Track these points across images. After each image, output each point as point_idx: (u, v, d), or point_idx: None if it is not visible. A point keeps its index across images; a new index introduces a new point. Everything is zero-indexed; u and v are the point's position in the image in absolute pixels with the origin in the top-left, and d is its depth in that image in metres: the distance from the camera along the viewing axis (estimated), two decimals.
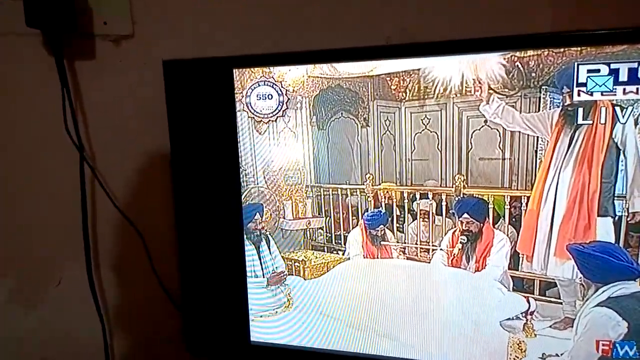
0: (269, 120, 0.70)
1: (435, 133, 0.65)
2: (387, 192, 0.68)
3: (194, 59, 0.70)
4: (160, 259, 0.86)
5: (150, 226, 0.85)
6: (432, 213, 0.68)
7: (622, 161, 0.59)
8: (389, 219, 0.70)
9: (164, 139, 0.73)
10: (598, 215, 0.60)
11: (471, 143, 0.64)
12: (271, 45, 0.75)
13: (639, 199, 0.59)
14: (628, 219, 0.59)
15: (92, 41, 0.80)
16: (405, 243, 0.70)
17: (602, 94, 0.59)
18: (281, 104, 0.69)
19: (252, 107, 0.70)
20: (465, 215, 0.66)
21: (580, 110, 0.59)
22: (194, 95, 0.71)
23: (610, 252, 0.60)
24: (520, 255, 0.65)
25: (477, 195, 0.65)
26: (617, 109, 0.58)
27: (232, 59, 0.69)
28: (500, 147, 0.63)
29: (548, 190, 0.62)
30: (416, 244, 0.69)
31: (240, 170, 0.72)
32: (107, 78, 0.81)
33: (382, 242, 0.70)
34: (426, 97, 0.65)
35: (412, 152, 0.67)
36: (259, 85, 0.69)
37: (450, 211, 0.66)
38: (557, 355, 0.64)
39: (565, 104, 0.59)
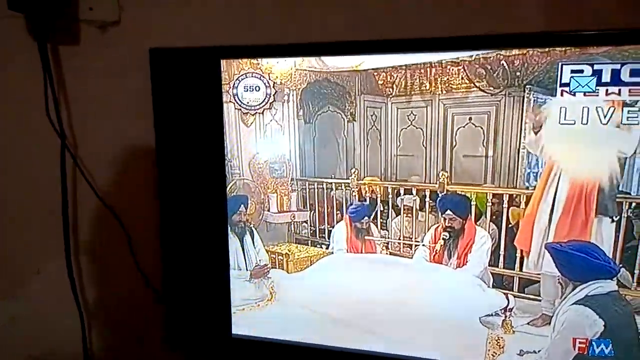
0: (256, 113, 0.70)
1: (421, 129, 0.66)
2: (372, 186, 0.69)
3: (181, 48, 0.69)
4: (143, 250, 0.84)
5: (133, 217, 0.83)
6: (416, 209, 0.68)
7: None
8: (373, 212, 0.71)
9: (149, 129, 0.72)
10: (596, 214, 0.61)
11: (456, 140, 0.65)
12: (260, 36, 0.75)
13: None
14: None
15: (77, 26, 0.79)
16: (388, 238, 0.70)
17: (584, 95, 0.60)
18: (268, 96, 0.69)
19: (239, 99, 0.70)
20: (448, 211, 0.67)
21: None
22: (181, 85, 0.70)
23: (588, 251, 0.62)
24: (503, 254, 0.66)
25: (460, 192, 0.66)
26: (600, 109, 0.59)
27: (220, 49, 0.68)
28: (484, 145, 0.64)
29: (549, 188, 0.63)
30: (399, 239, 0.70)
31: (226, 161, 0.72)
32: (92, 64, 0.80)
33: (366, 237, 0.71)
34: (412, 93, 0.65)
35: (397, 148, 0.67)
36: (247, 77, 0.69)
37: (434, 207, 0.67)
38: (534, 352, 0.65)
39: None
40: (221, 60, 0.69)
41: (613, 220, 0.60)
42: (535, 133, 0.61)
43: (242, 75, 0.69)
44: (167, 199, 0.74)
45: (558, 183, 0.61)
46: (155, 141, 0.72)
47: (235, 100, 0.70)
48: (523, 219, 0.63)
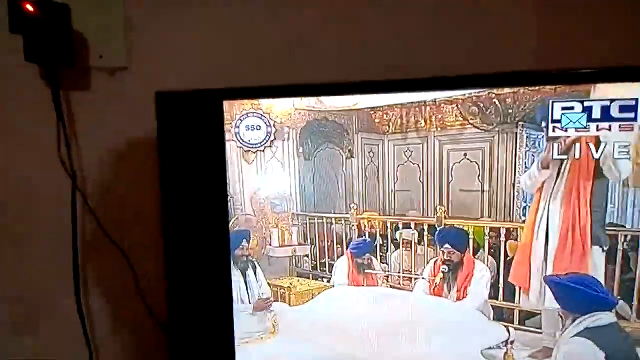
0: (257, 150, 0.72)
1: (417, 165, 0.67)
2: (371, 221, 0.70)
3: (186, 90, 0.72)
4: (148, 285, 0.86)
5: (139, 252, 0.86)
6: (414, 242, 0.69)
7: (602, 194, 0.61)
8: (374, 247, 0.72)
9: (154, 168, 0.75)
10: (592, 245, 0.62)
11: (451, 175, 0.66)
12: (262, 78, 0.78)
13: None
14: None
15: (88, 73, 0.83)
16: (388, 272, 0.71)
17: (576, 130, 0.61)
18: (269, 134, 0.71)
19: (240, 137, 0.72)
20: (447, 245, 0.68)
21: (556, 145, 0.62)
22: (185, 125, 0.73)
23: (585, 283, 0.62)
24: (502, 287, 0.66)
25: (458, 226, 0.67)
26: (591, 144, 0.61)
27: (222, 91, 0.71)
28: (479, 179, 0.66)
29: (539, 223, 0.64)
30: (399, 272, 0.71)
31: (228, 197, 0.74)
32: (101, 108, 0.84)
33: (367, 270, 0.72)
34: (408, 130, 0.67)
35: (394, 183, 0.69)
36: (248, 117, 0.72)
37: (432, 241, 0.68)
38: None
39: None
40: (223, 101, 0.72)
41: (603, 250, 0.61)
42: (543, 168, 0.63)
43: (243, 115, 0.71)
44: (172, 236, 0.76)
45: (548, 215, 0.62)
46: (160, 179, 0.75)
47: (237, 138, 0.72)
48: (517, 255, 0.64)
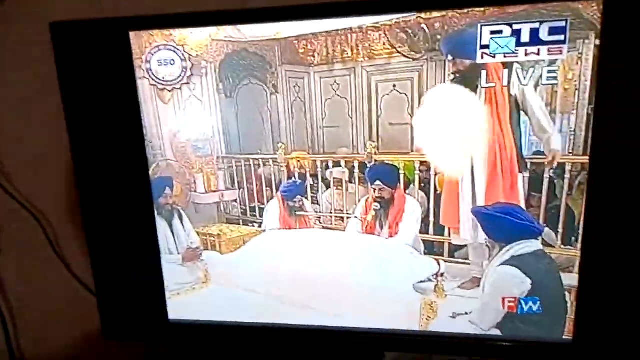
0: (173, 88, 0.66)
1: (345, 99, 0.64)
2: (300, 161, 0.67)
3: (84, 20, 0.63)
4: (69, 246, 0.80)
5: (53, 210, 0.78)
6: (345, 181, 0.67)
7: (524, 122, 0.60)
8: (305, 188, 0.69)
9: (58, 111, 0.67)
10: (520, 173, 0.61)
11: (381, 108, 0.63)
12: (172, 4, 0.69)
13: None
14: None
15: None
16: (320, 212, 0.69)
17: (504, 56, 0.59)
18: (185, 70, 0.65)
19: (153, 74, 0.65)
20: (378, 182, 0.66)
21: (484, 73, 0.60)
22: (89, 61, 0.65)
23: (512, 213, 0.62)
24: (431, 221, 0.65)
25: (388, 162, 0.65)
26: (519, 70, 0.59)
27: (127, 21, 0.63)
28: (409, 112, 0.63)
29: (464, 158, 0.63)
30: (331, 212, 0.69)
31: (146, 142, 0.68)
32: None
33: (298, 213, 0.69)
34: (334, 61, 0.63)
35: (323, 119, 0.65)
36: (160, 50, 0.64)
37: (363, 178, 0.66)
38: (466, 313, 0.67)
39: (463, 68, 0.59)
40: (129, 33, 0.64)
41: (530, 179, 0.60)
42: None
43: (154, 48, 0.64)
44: (87, 187, 0.69)
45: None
46: (67, 124, 0.67)
47: (150, 75, 0.65)
48: (445, 194, 0.63)
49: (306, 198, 0.69)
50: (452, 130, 0.61)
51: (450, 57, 0.59)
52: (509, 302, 0.66)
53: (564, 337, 0.65)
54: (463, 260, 0.65)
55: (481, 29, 0.58)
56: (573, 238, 0.62)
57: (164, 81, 0.65)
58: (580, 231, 0.61)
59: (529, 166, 0.61)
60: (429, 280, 0.66)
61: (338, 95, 0.64)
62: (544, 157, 0.60)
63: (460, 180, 0.62)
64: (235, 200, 0.70)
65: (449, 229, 0.64)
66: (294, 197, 0.69)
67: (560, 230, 0.62)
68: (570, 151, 0.59)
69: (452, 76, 0.59)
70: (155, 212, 0.70)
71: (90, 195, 0.70)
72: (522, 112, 0.59)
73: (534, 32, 0.58)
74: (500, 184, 0.62)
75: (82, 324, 0.84)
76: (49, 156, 0.76)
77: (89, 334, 0.84)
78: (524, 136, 0.59)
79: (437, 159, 0.62)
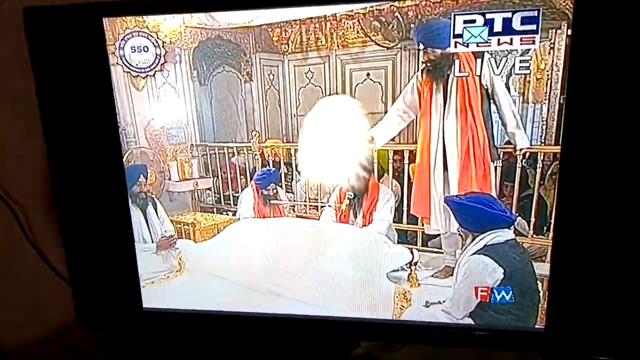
0: (147, 75, 0.65)
1: (320, 87, 0.63)
2: (274, 149, 0.66)
3: (58, 6, 0.63)
4: (44, 236, 0.79)
5: (27, 199, 0.77)
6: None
7: (494, 112, 0.60)
8: (279, 176, 0.69)
9: (32, 97, 0.66)
10: (491, 163, 0.61)
11: (355, 97, 0.63)
12: None
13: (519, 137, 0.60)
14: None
15: None
16: (294, 201, 0.69)
17: (477, 45, 0.59)
18: (158, 57, 0.64)
19: (127, 61, 0.65)
20: None
21: (457, 62, 0.60)
22: (62, 47, 0.64)
23: (484, 202, 0.63)
24: (404, 210, 0.65)
25: None
26: (491, 60, 0.59)
27: (101, 6, 0.62)
28: (383, 101, 0.63)
29: (436, 148, 0.63)
30: (305, 201, 0.69)
31: (120, 129, 0.67)
32: None
33: (273, 202, 0.69)
34: (309, 49, 0.63)
35: (297, 108, 0.65)
36: (133, 36, 0.64)
37: None
38: (439, 302, 0.67)
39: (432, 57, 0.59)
40: (103, 18, 0.63)
41: (502, 168, 0.61)
42: None
43: (127, 34, 0.63)
44: (60, 176, 0.69)
45: (444, 136, 0.61)
46: (40, 112, 0.67)
47: (123, 62, 0.65)
48: (416, 182, 0.63)
49: (280, 186, 0.69)
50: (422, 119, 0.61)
51: (421, 46, 0.59)
52: (482, 291, 0.66)
53: (536, 326, 0.65)
54: (436, 250, 0.65)
55: (454, 17, 0.58)
56: (545, 227, 0.62)
57: (137, 68, 0.65)
58: (552, 220, 0.62)
59: (501, 155, 0.61)
60: (403, 269, 0.66)
61: (312, 83, 0.63)
62: (515, 147, 0.60)
63: (432, 170, 0.62)
64: (210, 189, 0.70)
65: (422, 218, 0.65)
66: (267, 185, 0.69)
67: (532, 219, 0.63)
68: (542, 141, 0.60)
69: (423, 65, 0.59)
70: (129, 200, 0.69)
71: (64, 184, 0.69)
72: (491, 102, 0.59)
73: (507, 22, 0.58)
74: (473, 173, 0.63)
75: (58, 314, 0.84)
76: (21, 144, 0.75)
77: (66, 324, 0.83)
78: (495, 125, 0.60)
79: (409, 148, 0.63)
